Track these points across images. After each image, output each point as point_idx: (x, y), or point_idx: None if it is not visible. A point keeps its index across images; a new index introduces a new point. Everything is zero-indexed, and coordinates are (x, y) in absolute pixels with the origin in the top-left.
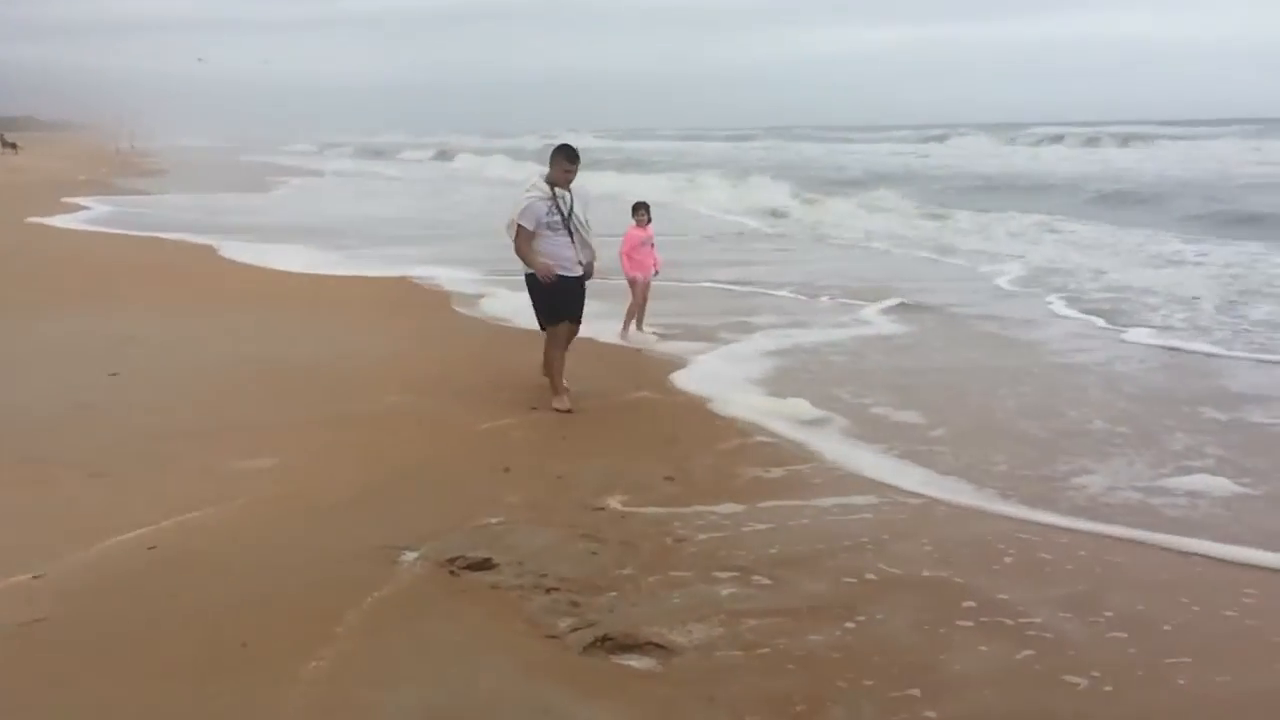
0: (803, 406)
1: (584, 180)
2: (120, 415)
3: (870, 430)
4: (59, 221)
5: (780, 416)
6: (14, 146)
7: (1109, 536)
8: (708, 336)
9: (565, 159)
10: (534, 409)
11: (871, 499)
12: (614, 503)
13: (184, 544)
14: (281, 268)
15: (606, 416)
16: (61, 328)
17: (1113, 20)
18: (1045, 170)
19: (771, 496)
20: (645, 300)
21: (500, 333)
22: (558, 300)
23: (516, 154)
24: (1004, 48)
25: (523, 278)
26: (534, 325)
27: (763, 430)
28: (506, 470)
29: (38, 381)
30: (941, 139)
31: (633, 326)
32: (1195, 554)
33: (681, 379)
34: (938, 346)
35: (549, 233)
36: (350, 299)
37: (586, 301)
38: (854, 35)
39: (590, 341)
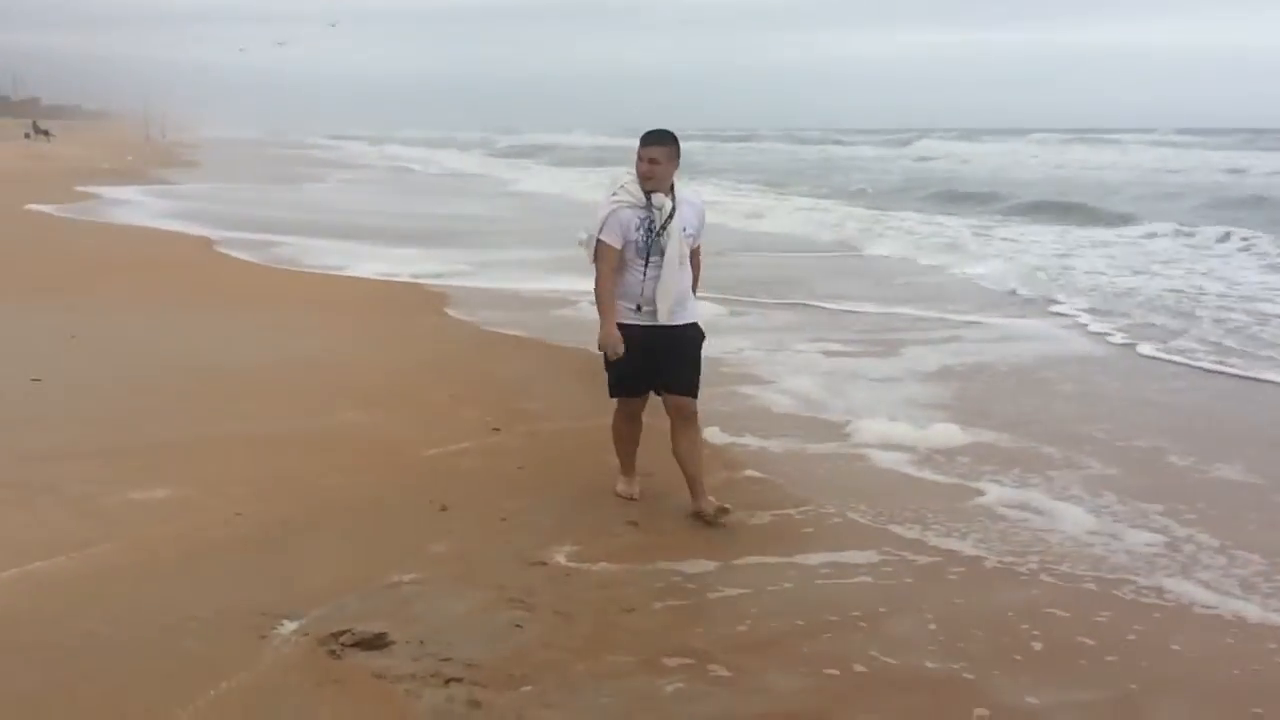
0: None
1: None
2: (12, 431)
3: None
4: (60, 211)
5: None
6: (46, 134)
7: (1167, 606)
8: None
9: (643, 144)
10: (496, 430)
11: (870, 555)
12: (559, 556)
13: (8, 604)
14: (288, 267)
15: (576, 441)
16: (3, 324)
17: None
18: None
19: (751, 550)
20: None
21: (489, 338)
22: (630, 364)
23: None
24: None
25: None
26: (522, 329)
27: (768, 463)
28: (443, 509)
29: None
30: (907, 143)
31: None
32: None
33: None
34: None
35: (629, 256)
36: (341, 300)
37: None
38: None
39: (560, 349)
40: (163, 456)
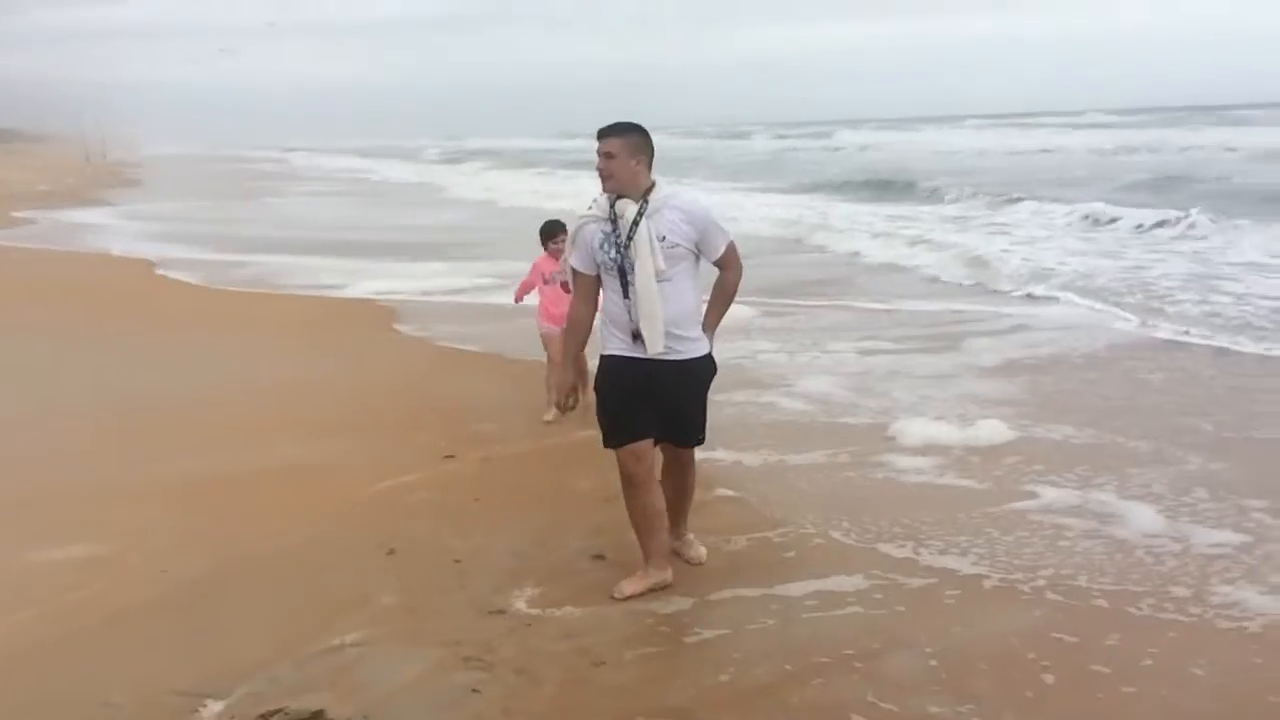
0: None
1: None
2: None
3: None
4: None
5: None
6: None
7: (1185, 623)
8: None
9: (598, 138)
10: (449, 458)
11: (858, 581)
12: (519, 601)
13: None
14: (226, 287)
15: (535, 464)
16: None
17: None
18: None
19: (727, 582)
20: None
21: (442, 356)
22: (621, 402)
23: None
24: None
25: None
26: (476, 344)
27: (736, 480)
28: (391, 553)
29: None
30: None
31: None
32: None
33: None
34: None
35: (605, 277)
36: (287, 320)
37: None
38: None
39: (517, 361)
40: (79, 507)
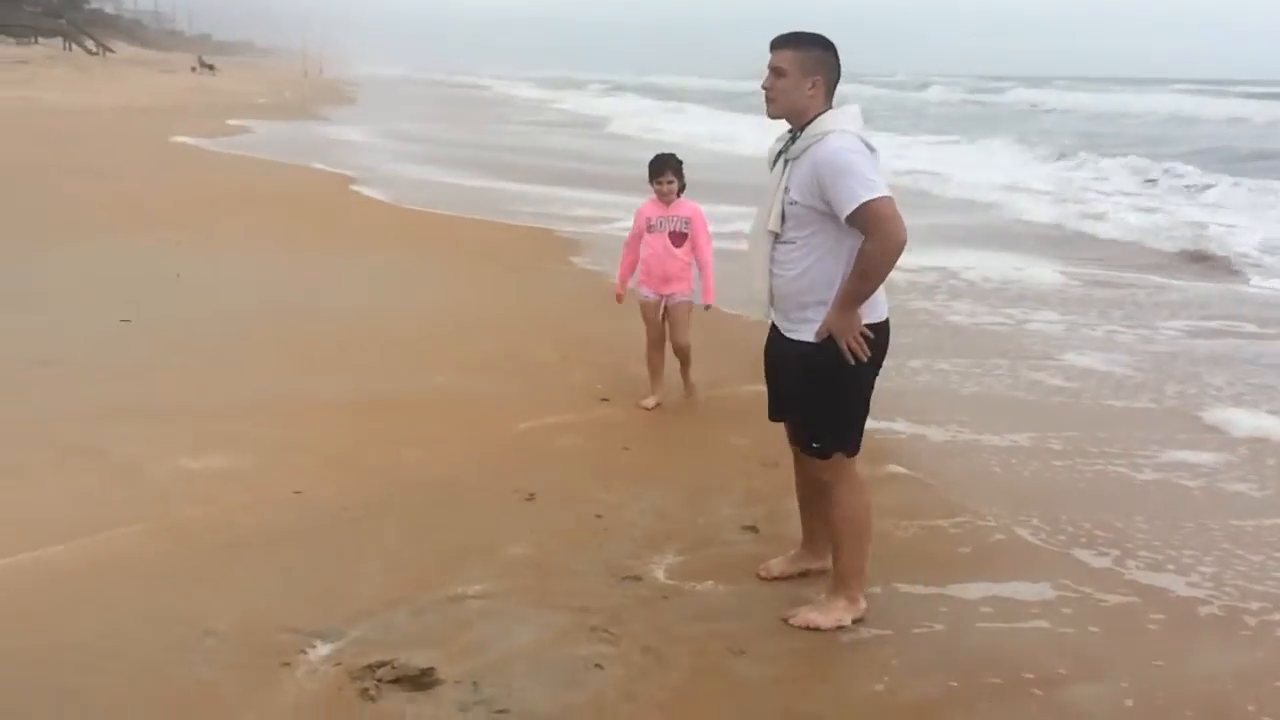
0: None
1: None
2: (78, 380)
3: None
4: (206, 143)
5: None
6: (211, 68)
7: None
8: None
9: (772, 49)
10: (605, 400)
11: (1044, 590)
12: (658, 569)
13: (11, 590)
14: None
15: (697, 419)
16: (110, 258)
17: None
18: None
19: (895, 574)
20: (684, 350)
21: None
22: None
23: None
24: None
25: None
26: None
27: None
28: (529, 498)
29: (31, 322)
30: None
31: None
32: None
33: None
34: None
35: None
36: (466, 245)
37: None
38: None
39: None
40: (230, 417)
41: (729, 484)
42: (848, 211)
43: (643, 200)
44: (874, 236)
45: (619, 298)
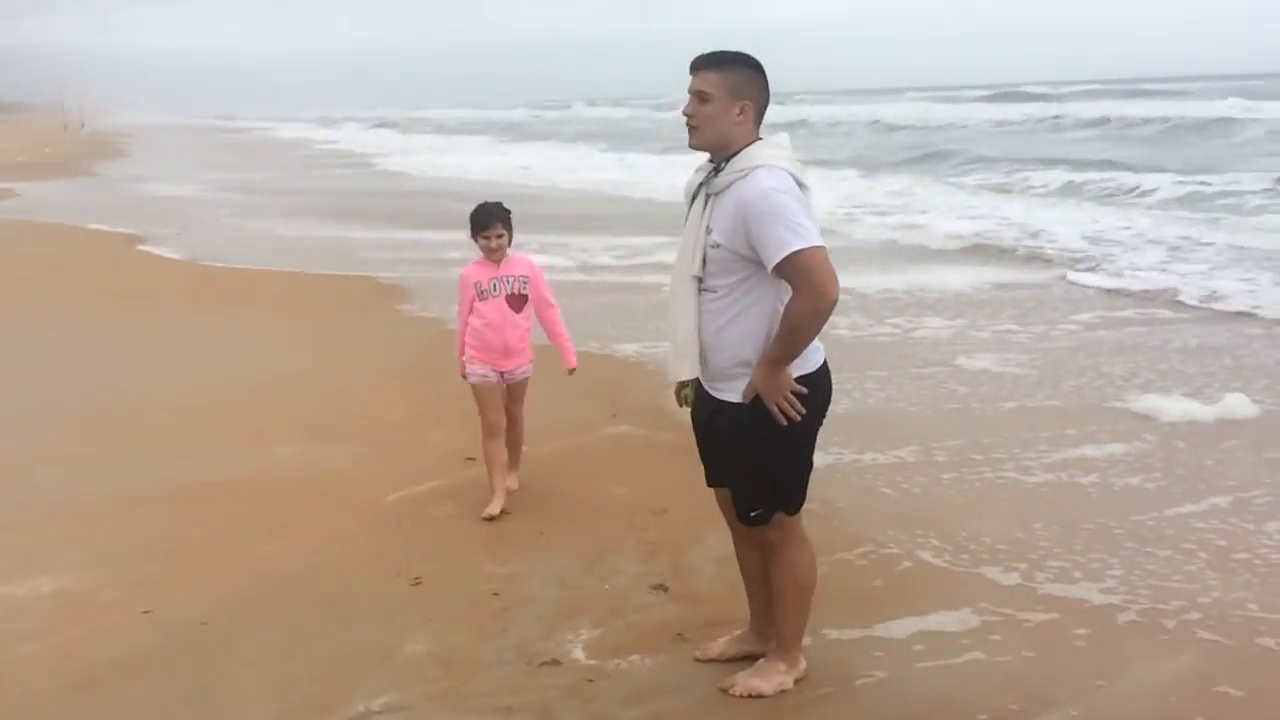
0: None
1: None
2: None
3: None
4: None
5: None
6: None
7: None
8: None
9: (692, 70)
10: (470, 459)
11: (966, 617)
12: (576, 648)
13: None
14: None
15: (571, 471)
16: None
17: None
18: None
19: (820, 619)
20: (517, 432)
21: (453, 339)
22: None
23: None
24: None
25: None
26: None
27: None
28: (416, 582)
29: None
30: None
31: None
32: None
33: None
34: None
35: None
36: (280, 299)
37: None
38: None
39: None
40: (48, 527)
41: (622, 539)
42: (775, 261)
43: (467, 256)
44: (802, 291)
45: (462, 350)
